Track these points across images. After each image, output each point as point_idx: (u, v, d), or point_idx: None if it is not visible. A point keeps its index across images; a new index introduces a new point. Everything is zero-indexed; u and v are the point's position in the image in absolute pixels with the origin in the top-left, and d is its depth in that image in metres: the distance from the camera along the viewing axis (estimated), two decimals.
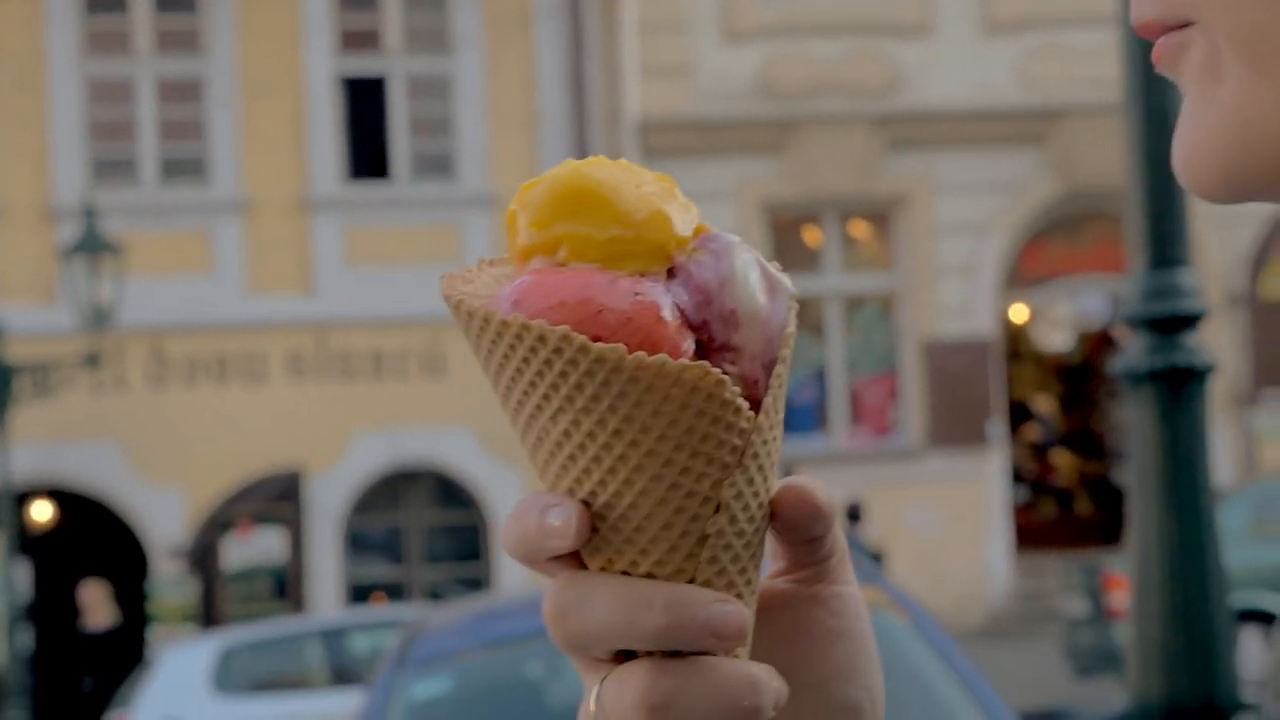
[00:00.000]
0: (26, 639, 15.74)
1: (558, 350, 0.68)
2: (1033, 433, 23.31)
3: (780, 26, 19.44)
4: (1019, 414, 22.03)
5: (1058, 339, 21.20)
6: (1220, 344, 18.70)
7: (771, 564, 0.75)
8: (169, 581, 17.66)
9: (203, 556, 17.81)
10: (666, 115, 19.20)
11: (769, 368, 0.71)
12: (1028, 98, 19.62)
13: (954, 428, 19.25)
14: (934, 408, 19.32)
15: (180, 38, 18.40)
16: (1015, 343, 21.35)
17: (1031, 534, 20.81)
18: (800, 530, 0.72)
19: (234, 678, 13.60)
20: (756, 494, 0.71)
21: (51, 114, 17.97)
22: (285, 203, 18.25)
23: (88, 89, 18.16)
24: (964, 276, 19.62)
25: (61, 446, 17.65)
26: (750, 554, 0.72)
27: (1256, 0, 0.66)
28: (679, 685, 0.69)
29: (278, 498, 17.95)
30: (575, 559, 0.71)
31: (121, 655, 16.95)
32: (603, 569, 0.71)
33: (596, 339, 0.68)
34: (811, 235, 19.80)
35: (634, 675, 0.69)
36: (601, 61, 18.98)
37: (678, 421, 0.69)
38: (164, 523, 17.82)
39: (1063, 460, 23.52)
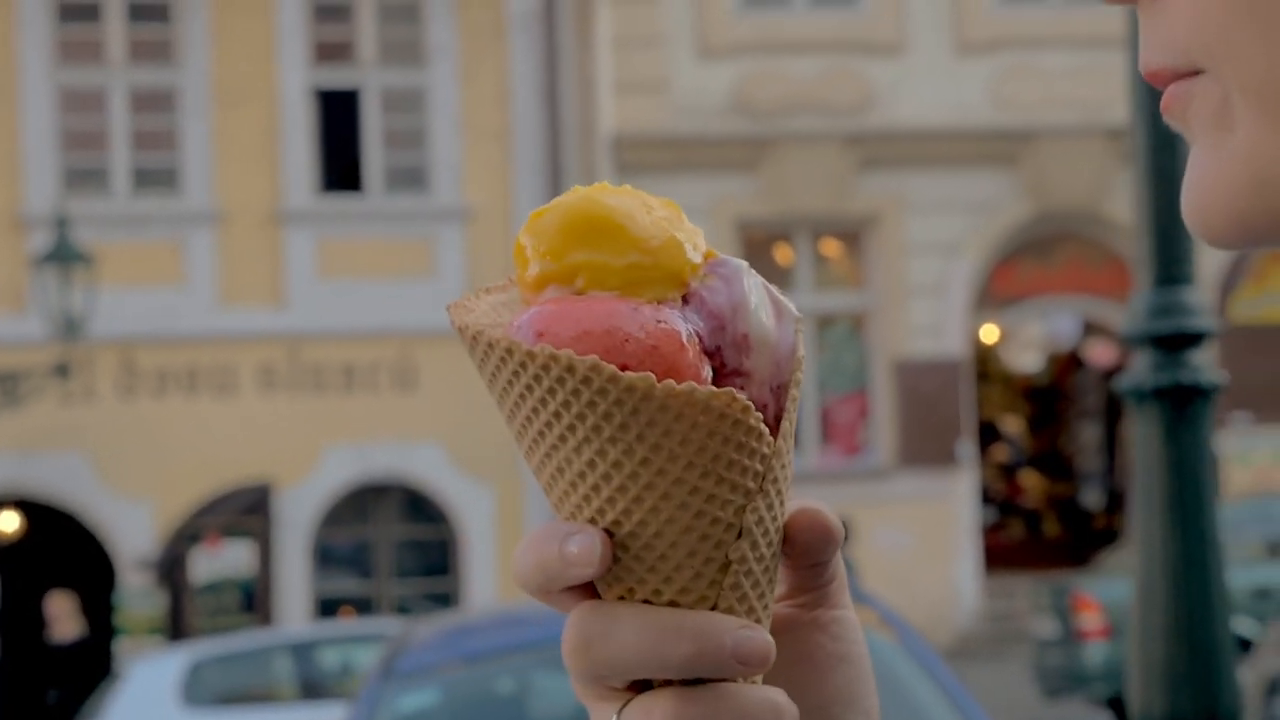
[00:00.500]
0: None
1: (586, 380, 0.68)
2: (1001, 453, 23.39)
3: (755, 44, 19.48)
4: (987, 434, 22.10)
5: (1028, 360, 21.28)
6: None
7: None
8: (137, 593, 17.57)
9: (171, 569, 17.72)
10: (640, 131, 19.21)
11: (777, 392, 0.72)
12: (1000, 118, 19.70)
13: (924, 447, 19.28)
14: (904, 427, 19.35)
15: (153, 47, 18.35)
16: (984, 363, 21.42)
17: (999, 555, 20.86)
18: (812, 554, 0.73)
19: (202, 691, 13.52)
20: (775, 518, 0.72)
21: (23, 122, 17.89)
22: (258, 214, 18.20)
23: (60, 98, 18.10)
24: (935, 296, 19.67)
25: (30, 456, 17.56)
26: (768, 579, 0.72)
27: (1269, 50, 0.66)
28: (707, 713, 0.69)
29: (247, 510, 17.88)
30: (589, 589, 0.71)
31: (88, 667, 16.84)
32: (621, 598, 0.71)
33: (624, 368, 0.68)
34: (783, 253, 19.84)
35: (660, 704, 0.69)
36: (576, 76, 18.99)
37: (705, 449, 0.69)
38: (132, 534, 17.74)
39: (1031, 481, 23.60)
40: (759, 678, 0.71)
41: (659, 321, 0.69)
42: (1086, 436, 23.09)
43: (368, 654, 14.29)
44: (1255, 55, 0.66)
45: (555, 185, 18.70)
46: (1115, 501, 22.15)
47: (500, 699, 5.26)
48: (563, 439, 0.69)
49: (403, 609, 18.13)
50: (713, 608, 0.70)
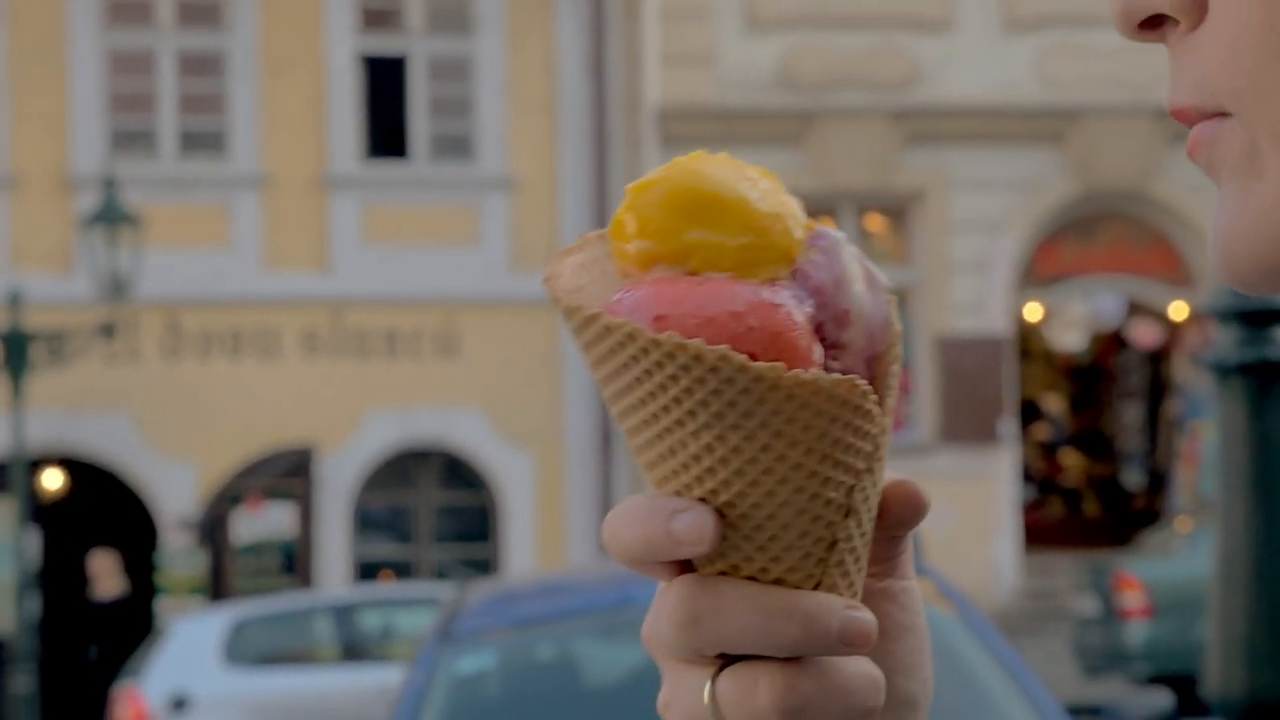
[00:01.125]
0: (35, 606, 15.75)
1: (713, 369, 0.68)
2: (1042, 432, 23.33)
3: (802, 18, 19.43)
4: (1028, 413, 22.04)
5: (1071, 339, 21.19)
6: None
7: None
8: (178, 553, 17.67)
9: (212, 529, 17.82)
10: (686, 103, 19.19)
11: (869, 363, 0.72)
12: (1046, 96, 19.61)
13: (966, 424, 19.26)
14: (946, 404, 19.32)
15: (202, 11, 18.39)
16: (1026, 341, 21.35)
17: (1038, 533, 20.82)
18: (902, 525, 0.74)
19: (245, 650, 13.61)
20: (877, 494, 0.72)
21: (71, 84, 17.96)
22: (304, 179, 18.25)
23: (108, 60, 18.15)
24: (979, 273, 19.62)
25: (75, 416, 17.66)
26: (865, 554, 0.73)
27: None
28: (814, 689, 0.70)
29: (288, 473, 17.96)
30: (685, 562, 0.72)
31: (128, 625, 16.96)
32: (722, 573, 0.71)
33: (750, 355, 0.69)
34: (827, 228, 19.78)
35: (766, 679, 0.70)
36: (623, 47, 18.97)
37: (824, 434, 0.69)
38: (174, 495, 17.84)
39: (1071, 460, 23.53)
40: None
41: (777, 306, 0.69)
42: (1129, 417, 23.02)
43: (408, 618, 14.37)
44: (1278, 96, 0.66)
45: (600, 156, 18.70)
46: (1156, 482, 22.09)
47: (557, 662, 5.28)
48: (679, 423, 0.69)
49: (441, 574, 18.20)
50: (816, 585, 0.71)
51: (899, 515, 0.73)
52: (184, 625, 13.95)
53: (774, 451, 0.69)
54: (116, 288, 15.63)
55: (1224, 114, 0.68)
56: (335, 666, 13.92)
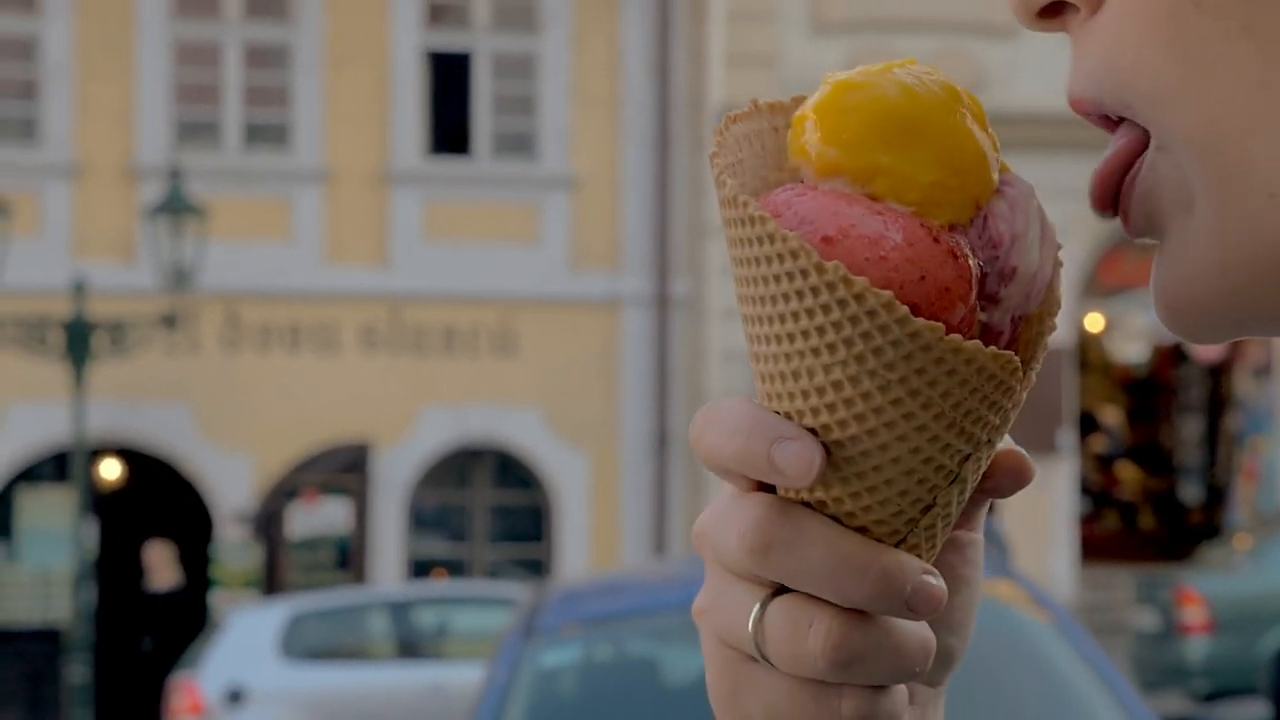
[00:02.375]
0: (91, 596, 15.78)
1: (871, 313, 0.64)
2: (1099, 444, 23.17)
3: (868, 21, 19.34)
4: (1085, 424, 21.89)
5: (1133, 350, 21.05)
6: None
7: None
8: (233, 546, 17.69)
9: (268, 523, 17.83)
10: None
11: (1016, 322, 0.67)
12: None
13: (1025, 434, 19.07)
14: None
15: (269, 4, 18.41)
16: (1085, 352, 21.21)
17: (1094, 545, 20.68)
18: (1000, 494, 0.70)
19: (301, 644, 13.60)
20: (989, 461, 0.68)
21: (138, 74, 18.00)
22: (365, 174, 18.25)
23: (175, 50, 18.19)
24: None
25: (134, 406, 17.69)
26: (956, 520, 0.69)
27: (1206, 90, 0.60)
28: (868, 645, 0.67)
29: (345, 469, 17.95)
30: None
31: (182, 617, 16.98)
32: (807, 504, 0.67)
33: (913, 305, 0.64)
34: None
35: (821, 623, 0.66)
36: (687, 47, 18.91)
37: (960, 403, 0.65)
38: (231, 487, 17.85)
39: (1128, 473, 23.38)
40: None
41: (955, 258, 0.65)
42: (1188, 431, 22.85)
43: (464, 616, 14.34)
44: (1189, 102, 0.60)
45: (663, 156, 18.65)
46: (1214, 497, 21.90)
47: (638, 659, 5.24)
48: (815, 351, 0.65)
49: (494, 574, 18.17)
50: (900, 542, 0.67)
51: (1000, 484, 0.69)
52: (241, 618, 13.95)
53: (904, 407, 0.65)
54: (179, 278, 15.64)
55: (1121, 119, 0.64)
56: (391, 663, 13.90)
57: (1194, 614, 14.41)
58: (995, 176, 0.67)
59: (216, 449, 17.87)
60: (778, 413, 0.66)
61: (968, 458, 0.67)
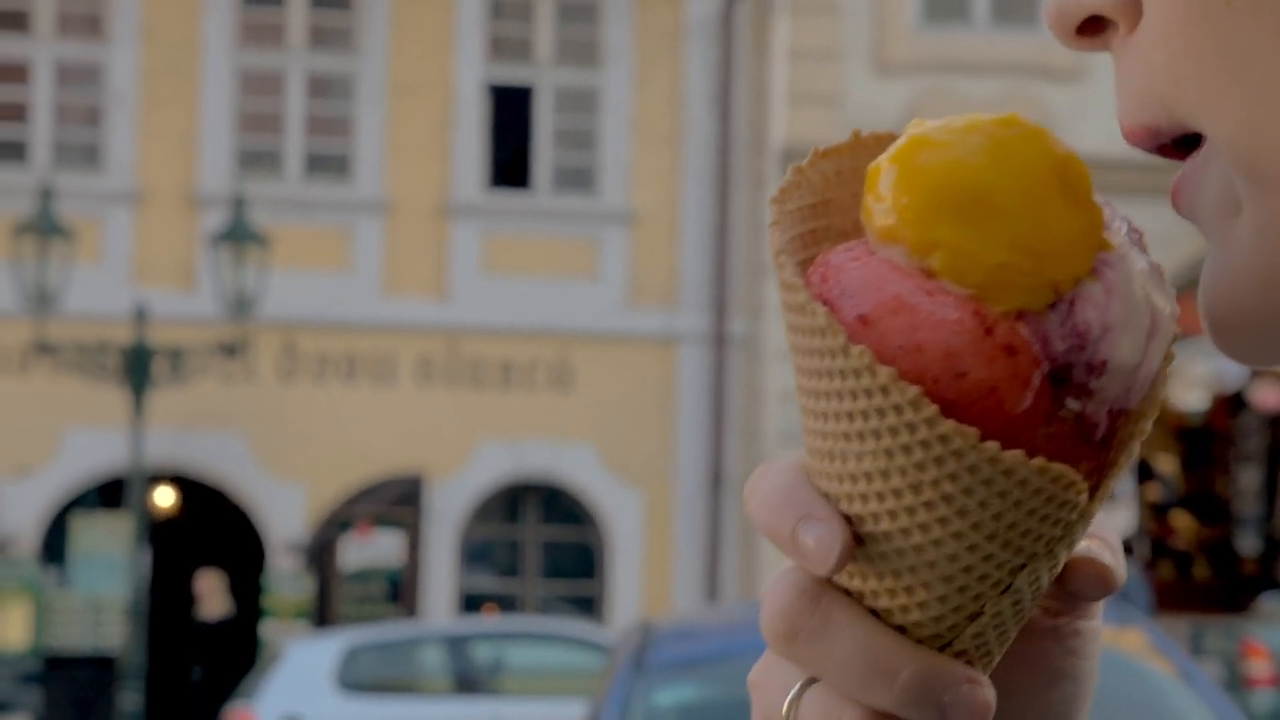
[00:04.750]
0: (144, 624, 15.71)
1: (897, 408, 0.57)
2: (1153, 492, 22.98)
3: (932, 62, 19.26)
4: (1140, 472, 21.71)
5: (1193, 398, 20.89)
6: None
7: None
8: (285, 576, 17.60)
9: (320, 554, 17.75)
10: (811, 143, 18.72)
11: (1113, 415, 0.59)
12: None
13: None
14: None
15: (333, 34, 18.42)
16: None
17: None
18: (1088, 599, 0.64)
19: (357, 677, 13.51)
20: (1055, 570, 0.61)
21: (202, 102, 18.01)
22: (426, 206, 18.21)
23: (239, 79, 18.20)
24: None
25: (190, 434, 17.64)
26: (1018, 626, 0.62)
27: (1245, 98, 0.54)
28: None
29: (398, 501, 17.87)
30: None
31: (232, 647, 16.90)
32: (846, 591, 0.61)
33: (948, 403, 0.57)
34: None
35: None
36: (750, 84, 18.85)
37: (1002, 515, 0.58)
38: (284, 517, 17.78)
39: (1182, 522, 23.18)
40: None
41: (1013, 352, 0.56)
42: (1246, 480, 22.65)
43: (519, 652, 14.23)
44: (1230, 105, 0.54)
45: (723, 193, 18.57)
46: (1273, 548, 21.67)
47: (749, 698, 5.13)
48: (847, 436, 0.59)
49: (545, 610, 18.05)
50: (945, 646, 0.60)
51: (1078, 592, 0.63)
52: (297, 649, 13.86)
53: (937, 511, 0.58)
54: (240, 307, 15.61)
55: (1185, 133, 0.58)
56: (446, 697, 13.79)
57: (1259, 667, 14.24)
58: (1089, 258, 0.59)
59: (270, 478, 17.80)
60: (819, 490, 0.60)
61: (1020, 568, 0.59)
